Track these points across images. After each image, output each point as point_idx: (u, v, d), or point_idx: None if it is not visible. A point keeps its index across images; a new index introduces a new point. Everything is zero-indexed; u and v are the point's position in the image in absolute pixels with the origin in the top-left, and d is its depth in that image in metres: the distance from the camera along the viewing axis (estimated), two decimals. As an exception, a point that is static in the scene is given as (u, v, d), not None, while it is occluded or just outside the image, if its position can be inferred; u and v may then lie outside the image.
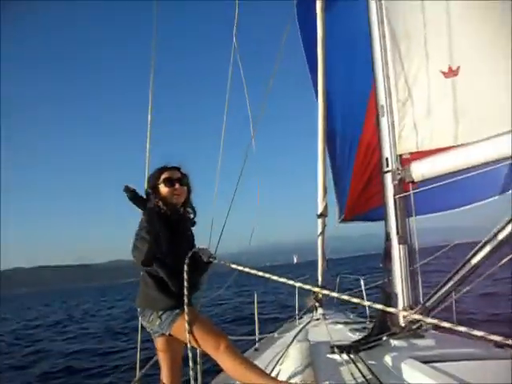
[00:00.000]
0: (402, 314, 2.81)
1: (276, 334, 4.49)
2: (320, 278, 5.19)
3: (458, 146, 2.80)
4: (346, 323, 4.08)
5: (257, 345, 4.11)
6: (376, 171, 5.05)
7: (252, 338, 4.47)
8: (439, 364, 2.07)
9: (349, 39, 4.98)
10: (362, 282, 5.25)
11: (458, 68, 2.82)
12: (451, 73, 2.84)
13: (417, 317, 2.36)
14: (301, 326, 4.41)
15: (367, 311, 4.94)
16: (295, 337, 3.75)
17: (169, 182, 2.34)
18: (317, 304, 5.24)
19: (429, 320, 1.98)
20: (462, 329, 1.87)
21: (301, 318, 5.21)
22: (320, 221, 5.24)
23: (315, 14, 4.63)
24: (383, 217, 5.33)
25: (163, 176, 2.36)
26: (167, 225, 2.21)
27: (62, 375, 8.73)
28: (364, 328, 3.56)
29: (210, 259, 2.26)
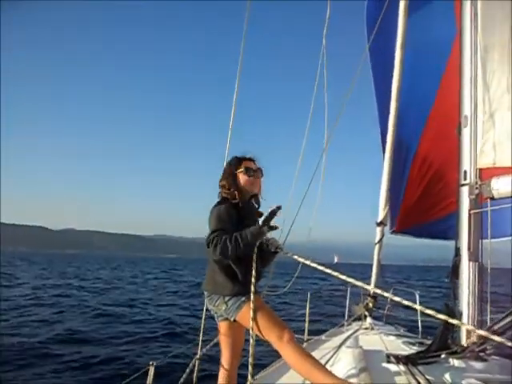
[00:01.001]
0: (468, 328, 2.70)
1: (324, 337, 4.46)
2: (373, 285, 5.09)
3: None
4: (398, 335, 3.98)
5: (304, 345, 4.11)
6: (431, 185, 4.89)
7: (300, 337, 4.47)
8: None
9: (415, 49, 4.85)
10: (417, 297, 5.08)
11: (555, 84, 2.66)
12: (545, 88, 2.69)
13: (485, 334, 2.24)
14: (350, 332, 4.35)
15: (419, 327, 4.78)
16: (345, 341, 3.71)
17: (249, 171, 2.43)
18: (366, 313, 5.16)
19: (508, 342, 1.87)
20: None
21: (349, 324, 5.14)
22: (379, 229, 5.13)
23: (386, 23, 4.54)
24: (433, 235, 5.14)
25: (244, 165, 2.44)
26: (236, 213, 2.28)
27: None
28: (419, 343, 3.45)
29: (278, 249, 2.29)
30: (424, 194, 4.84)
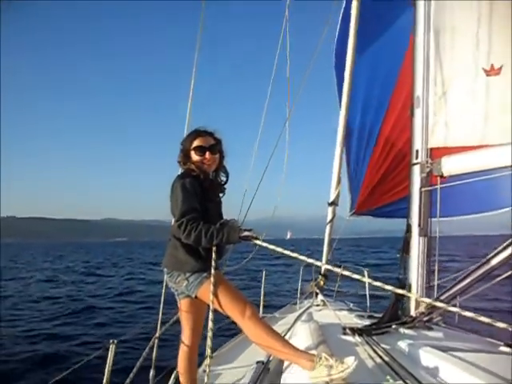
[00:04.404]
0: (417, 300, 2.85)
1: (277, 314, 4.54)
2: (324, 262, 5.24)
3: (491, 145, 2.80)
4: (349, 310, 4.13)
5: None
6: (392, 167, 5.08)
7: None
8: (453, 353, 2.11)
9: (376, 31, 4.96)
10: (365, 273, 5.29)
11: (501, 67, 2.81)
12: (493, 71, 2.84)
13: (434, 303, 2.38)
14: (302, 309, 4.46)
15: (368, 303, 4.99)
16: (299, 317, 3.80)
17: (200, 150, 2.34)
18: (317, 290, 5.31)
19: (453, 309, 2.00)
20: (485, 319, 1.89)
21: (301, 302, 5.27)
22: (330, 209, 5.27)
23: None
24: (393, 214, 5.38)
25: (195, 143, 2.36)
26: (199, 186, 2.23)
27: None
28: (370, 316, 3.61)
29: (253, 241, 2.22)
30: (384, 177, 5.01)
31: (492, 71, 2.85)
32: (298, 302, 5.32)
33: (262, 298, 4.94)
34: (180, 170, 2.39)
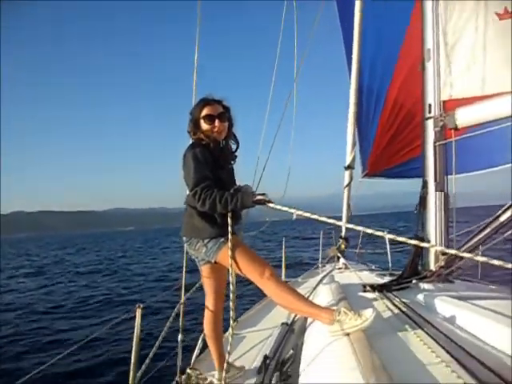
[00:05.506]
0: (437, 249, 2.86)
1: (300, 279, 4.63)
2: (344, 228, 5.28)
3: (506, 93, 2.71)
4: (370, 270, 4.18)
5: None
6: (401, 127, 5.01)
7: None
8: (472, 301, 2.12)
9: None
10: (385, 232, 5.31)
11: (515, 10, 2.69)
12: (506, 15, 2.73)
13: (454, 252, 2.36)
14: (325, 272, 4.53)
15: (389, 262, 5.03)
16: (321, 280, 3.87)
17: (209, 118, 2.34)
18: (339, 254, 5.37)
19: (471, 256, 1.99)
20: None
21: (324, 266, 5.34)
22: (347, 173, 5.27)
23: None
24: (404, 174, 5.35)
25: (204, 112, 2.35)
26: (210, 154, 2.26)
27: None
28: (390, 274, 3.64)
29: (266, 203, 2.24)
30: (394, 137, 4.96)
31: (505, 14, 2.73)
32: (320, 266, 5.41)
33: (283, 263, 5.03)
34: (190, 140, 2.41)
